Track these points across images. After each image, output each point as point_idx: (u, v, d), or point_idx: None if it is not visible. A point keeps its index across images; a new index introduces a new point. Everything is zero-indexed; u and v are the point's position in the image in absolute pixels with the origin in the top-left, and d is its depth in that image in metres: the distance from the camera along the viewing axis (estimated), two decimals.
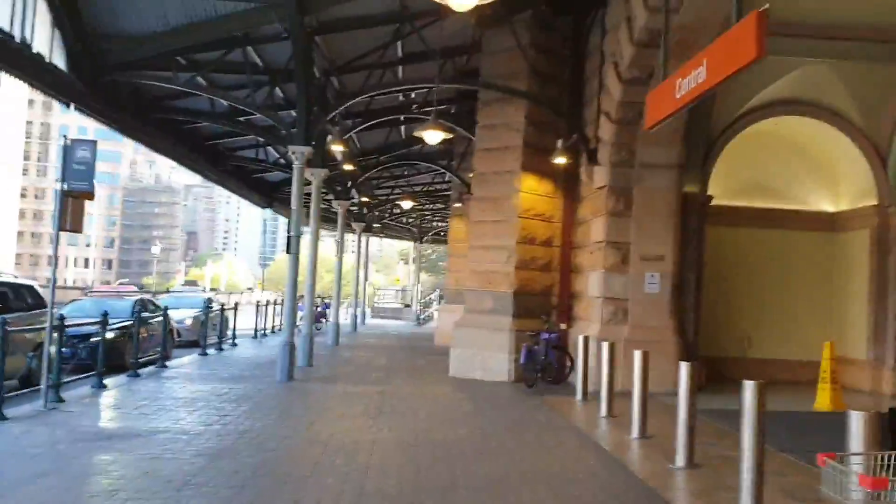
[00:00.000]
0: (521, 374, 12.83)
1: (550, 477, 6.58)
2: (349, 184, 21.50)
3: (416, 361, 16.94)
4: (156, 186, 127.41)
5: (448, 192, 26.80)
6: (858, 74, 13.16)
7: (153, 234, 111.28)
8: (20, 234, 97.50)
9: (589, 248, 13.28)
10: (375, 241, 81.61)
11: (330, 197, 22.84)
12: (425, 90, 16.25)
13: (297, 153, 12.50)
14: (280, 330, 20.53)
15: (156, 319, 14.85)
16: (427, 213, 37.00)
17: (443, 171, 23.54)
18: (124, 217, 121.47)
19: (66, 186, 9.10)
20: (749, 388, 5.88)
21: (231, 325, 20.35)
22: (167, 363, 13.97)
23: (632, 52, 11.12)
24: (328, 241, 61.31)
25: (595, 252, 12.88)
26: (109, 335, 13.62)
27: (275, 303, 25.20)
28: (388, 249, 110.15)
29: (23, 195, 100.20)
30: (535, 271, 14.08)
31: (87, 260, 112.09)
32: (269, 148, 20.03)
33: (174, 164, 20.90)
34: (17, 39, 9.87)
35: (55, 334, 9.70)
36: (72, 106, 11.75)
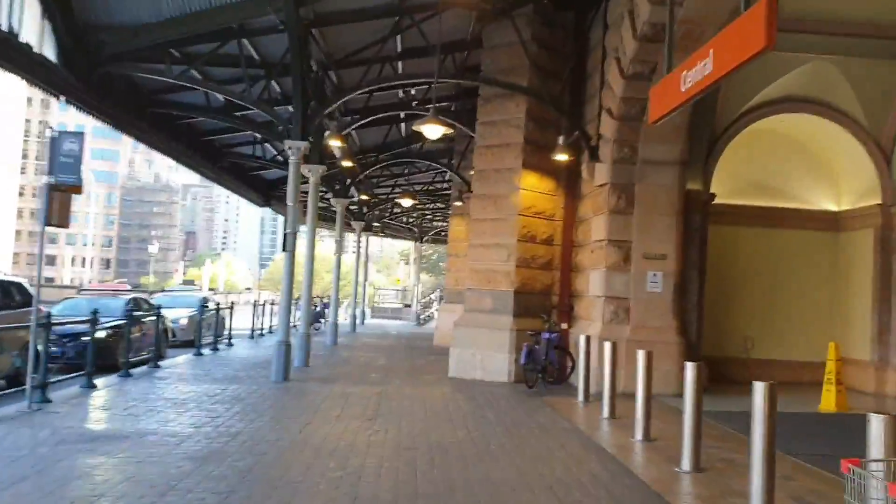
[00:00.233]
0: (521, 375, 12.59)
1: (552, 481, 6.34)
2: (348, 182, 21.25)
3: (416, 361, 16.69)
4: (154, 185, 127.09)
5: (449, 192, 26.58)
6: (863, 71, 12.95)
7: (151, 234, 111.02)
8: (18, 232, 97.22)
9: (590, 247, 13.05)
10: (376, 241, 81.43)
11: (329, 195, 22.60)
12: (425, 87, 16.04)
13: (294, 148, 12.26)
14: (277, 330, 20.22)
15: (149, 319, 14.59)
16: (427, 212, 36.77)
17: (443, 169, 23.31)
18: (122, 216, 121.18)
19: (52, 180, 8.84)
20: (759, 389, 5.63)
21: (227, 324, 20.19)
22: (160, 363, 13.72)
23: (635, 46, 10.88)
24: (330, 241, 61.05)
25: (596, 250, 12.65)
26: (101, 334, 13.42)
27: (272, 303, 24.94)
28: (389, 249, 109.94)
29: (20, 194, 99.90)
30: (536, 270, 13.85)
31: (83, 259, 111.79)
32: (267, 144, 19.77)
33: (171, 162, 20.61)
34: (4, 28, 9.61)
35: (43, 333, 9.45)
36: (62, 99, 11.47)
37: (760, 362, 14.16)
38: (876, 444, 4.02)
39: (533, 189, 13.77)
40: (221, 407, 9.43)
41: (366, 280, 35.96)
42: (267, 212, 27.45)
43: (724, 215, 13.84)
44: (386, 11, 12.37)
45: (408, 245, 55.74)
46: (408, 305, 42.57)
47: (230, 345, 18.61)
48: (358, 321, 29.33)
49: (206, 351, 16.48)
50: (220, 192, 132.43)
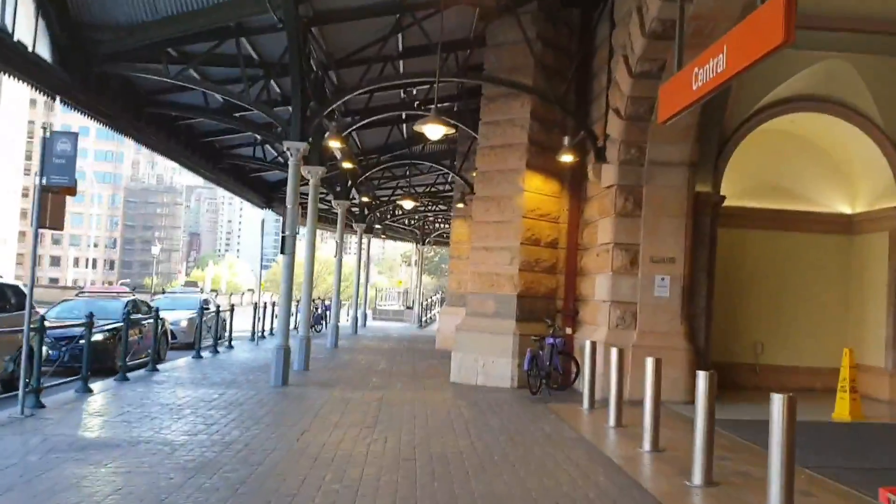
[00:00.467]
0: (524, 381, 12.31)
1: (558, 496, 6.07)
2: (349, 184, 21.00)
3: (417, 365, 16.43)
4: (158, 187, 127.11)
5: (451, 194, 26.32)
6: (879, 69, 12.63)
7: (155, 235, 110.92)
8: (22, 234, 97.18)
9: (596, 250, 12.77)
10: (378, 244, 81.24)
11: (330, 197, 22.35)
12: (427, 87, 15.78)
13: (293, 149, 12.02)
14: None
15: (148, 321, 14.36)
16: (430, 214, 36.51)
17: (446, 171, 23.07)
18: (126, 218, 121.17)
19: (45, 181, 8.60)
20: (777, 401, 5.37)
21: (229, 326, 19.95)
22: (158, 366, 13.48)
23: (643, 43, 10.61)
24: (332, 243, 60.77)
25: (602, 254, 12.38)
26: (98, 337, 13.21)
27: (273, 304, 24.70)
28: (392, 252, 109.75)
29: (24, 195, 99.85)
30: (540, 273, 13.57)
31: (86, 260, 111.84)
32: (267, 146, 19.56)
33: (172, 162, 20.40)
34: None
35: (36, 336, 9.21)
36: (58, 99, 11.25)
37: (770, 368, 13.87)
38: None
39: (537, 191, 13.51)
40: (218, 413, 9.18)
41: (367, 282, 35.72)
42: (268, 213, 27.14)
43: (734, 218, 13.53)
44: (386, 9, 12.13)
45: (410, 247, 55.48)
46: (410, 308, 42.30)
47: (230, 347, 18.37)
48: (359, 323, 29.07)
49: (205, 354, 16.25)
50: (224, 194, 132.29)
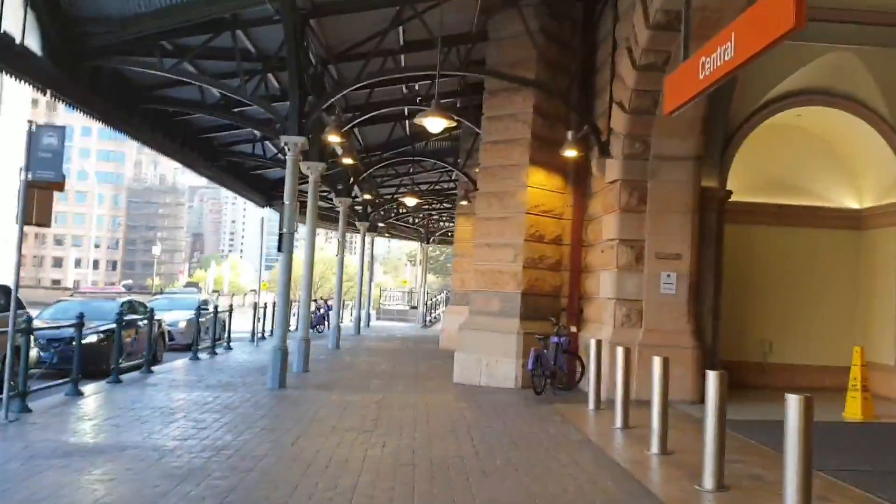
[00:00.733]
0: (528, 381, 12.01)
1: (564, 502, 5.77)
2: (351, 181, 20.73)
3: (420, 366, 16.15)
4: (160, 187, 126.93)
5: (455, 192, 26.03)
6: (887, 62, 12.30)
7: (157, 236, 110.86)
8: (24, 234, 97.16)
9: (601, 247, 12.47)
10: (384, 243, 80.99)
11: (332, 195, 22.07)
12: (428, 82, 15.50)
13: (291, 144, 11.75)
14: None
15: (143, 322, 14.10)
16: (434, 213, 36.23)
17: (449, 168, 22.77)
18: (129, 218, 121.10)
19: (30, 176, 8.34)
20: (793, 402, 5.07)
21: (228, 327, 19.68)
22: (154, 368, 13.23)
23: (647, 35, 10.34)
24: (336, 242, 60.44)
25: (607, 250, 12.08)
26: (92, 339, 12.98)
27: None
28: (397, 251, 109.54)
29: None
30: (544, 271, 13.28)
31: (89, 261, 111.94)
32: (268, 143, 19.28)
33: (168, 159, 20.12)
34: None
35: (23, 338, 8.95)
36: (48, 93, 10.98)
37: (779, 367, 13.56)
38: None
39: (541, 186, 13.21)
40: (211, 417, 8.90)
41: (371, 281, 35.43)
42: (269, 212, 26.89)
43: (740, 213, 13.24)
44: (386, 0, 11.84)
45: (415, 246, 55.21)
46: (414, 307, 42.02)
47: (229, 348, 18.11)
48: (362, 323, 28.80)
49: (203, 355, 15.99)
50: (227, 194, 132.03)
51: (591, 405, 10.35)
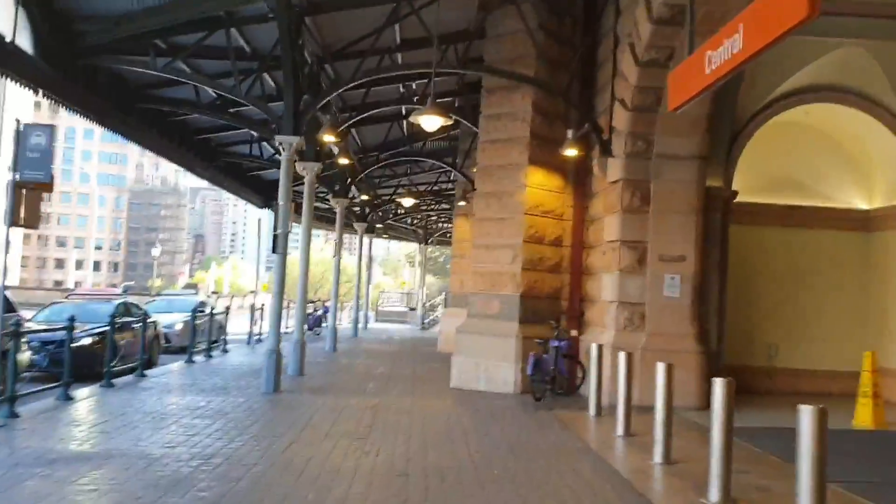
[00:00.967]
0: (528, 386, 11.76)
1: None
2: (348, 181, 20.50)
3: (417, 369, 15.91)
4: (162, 189, 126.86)
5: (453, 192, 25.81)
6: None
7: (159, 237, 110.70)
8: (26, 236, 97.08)
9: (602, 248, 12.22)
10: (383, 244, 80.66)
11: (329, 196, 21.85)
12: (425, 81, 15.26)
13: (285, 144, 11.53)
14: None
15: (137, 324, 13.86)
16: (432, 214, 36.00)
17: (448, 169, 22.57)
18: (130, 219, 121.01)
19: (18, 176, 8.12)
20: (807, 414, 4.82)
21: (225, 329, 19.46)
22: (148, 372, 13.00)
23: (650, 30, 10.11)
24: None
25: (609, 252, 11.82)
26: (85, 341, 12.76)
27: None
28: (397, 252, 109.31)
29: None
30: (544, 273, 13.02)
31: (91, 263, 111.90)
32: (265, 143, 19.04)
33: (165, 159, 19.88)
34: None
35: (12, 341, 8.72)
36: (40, 93, 10.74)
37: (785, 372, 13.32)
38: None
39: (540, 186, 12.96)
40: (202, 422, 8.66)
41: (369, 283, 35.20)
42: (267, 213, 26.65)
43: (746, 214, 12.99)
44: None
45: (414, 247, 54.99)
46: (413, 309, 41.79)
47: (225, 351, 17.87)
48: (360, 325, 28.57)
49: (199, 358, 15.74)
50: (229, 196, 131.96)
51: (592, 411, 10.09)
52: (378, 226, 32.93)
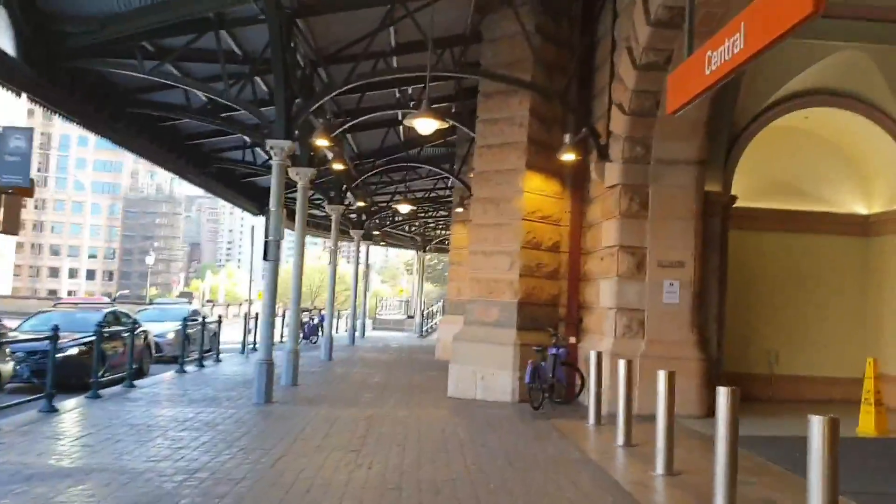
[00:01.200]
0: (526, 394, 11.52)
1: None
2: (343, 187, 20.27)
3: (414, 378, 15.64)
4: (157, 197, 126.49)
5: (451, 199, 25.59)
6: None
7: (154, 245, 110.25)
8: (20, 244, 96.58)
9: (600, 254, 12.00)
10: (381, 251, 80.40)
11: (324, 203, 21.60)
12: (421, 86, 15.06)
13: (277, 148, 11.31)
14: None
15: (126, 334, 13.58)
16: (430, 221, 35.75)
17: (445, 176, 22.35)
18: (125, 228, 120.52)
19: None
20: (817, 424, 4.60)
21: (217, 339, 19.18)
22: (137, 382, 12.72)
23: (648, 33, 9.91)
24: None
25: (607, 258, 11.61)
26: (72, 351, 12.50)
27: None
28: (395, 260, 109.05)
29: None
30: (541, 279, 12.79)
31: (85, 271, 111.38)
32: (258, 149, 18.79)
33: (155, 165, 19.61)
34: None
35: None
36: (24, 96, 10.51)
37: (786, 378, 13.10)
38: None
39: (537, 192, 12.75)
40: (189, 435, 8.39)
41: (366, 291, 34.92)
42: (261, 221, 26.36)
43: (745, 219, 12.79)
44: None
45: (412, 255, 54.76)
46: (411, 317, 41.50)
47: (218, 360, 17.58)
48: (357, 334, 28.28)
49: (190, 367, 15.48)
50: (225, 204, 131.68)
51: (592, 420, 9.86)
52: (375, 233, 32.70)
